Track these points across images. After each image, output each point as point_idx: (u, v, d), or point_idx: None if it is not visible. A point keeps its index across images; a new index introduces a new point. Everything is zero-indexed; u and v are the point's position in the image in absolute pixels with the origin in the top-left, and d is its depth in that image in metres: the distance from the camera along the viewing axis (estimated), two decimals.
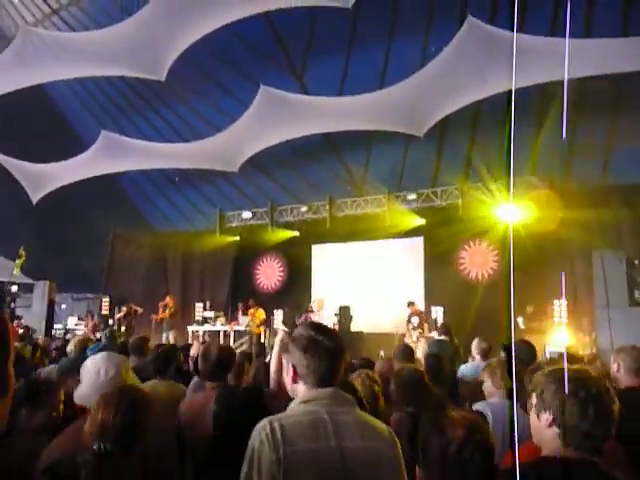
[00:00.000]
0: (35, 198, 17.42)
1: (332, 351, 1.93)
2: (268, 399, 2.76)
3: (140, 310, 16.03)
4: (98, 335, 12.11)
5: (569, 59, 9.05)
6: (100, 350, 4.90)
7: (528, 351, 4.64)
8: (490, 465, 1.62)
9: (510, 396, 3.33)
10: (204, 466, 2.75)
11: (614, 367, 3.43)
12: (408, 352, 5.32)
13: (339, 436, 1.81)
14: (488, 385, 3.55)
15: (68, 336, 11.35)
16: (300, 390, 1.96)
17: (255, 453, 1.79)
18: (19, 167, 16.27)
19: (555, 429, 1.75)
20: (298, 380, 1.96)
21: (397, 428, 2.70)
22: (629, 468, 2.36)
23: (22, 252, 14.01)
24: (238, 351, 5.38)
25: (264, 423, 1.83)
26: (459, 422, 1.64)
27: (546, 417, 1.78)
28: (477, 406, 3.42)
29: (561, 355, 6.00)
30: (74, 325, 15.91)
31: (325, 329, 2.01)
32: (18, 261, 14.78)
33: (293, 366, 1.96)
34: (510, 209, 13.05)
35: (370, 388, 3.36)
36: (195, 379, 3.95)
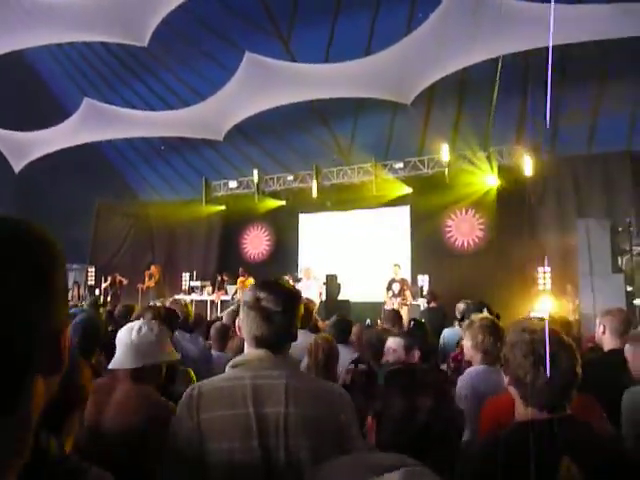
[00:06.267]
0: (17, 167, 17.16)
1: (269, 311, 1.84)
2: None
3: (125, 281, 16.00)
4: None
5: (555, 26, 8.98)
6: (76, 314, 4.91)
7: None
8: (451, 435, 1.58)
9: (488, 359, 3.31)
10: None
11: (600, 329, 3.41)
12: (398, 317, 5.37)
13: (258, 402, 1.76)
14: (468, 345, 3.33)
15: None
16: (245, 346, 1.95)
17: (177, 419, 1.82)
18: (0, 136, 15.98)
19: (513, 388, 1.80)
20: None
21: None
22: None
23: None
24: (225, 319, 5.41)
25: (189, 389, 1.84)
26: (427, 390, 1.58)
27: (508, 376, 1.83)
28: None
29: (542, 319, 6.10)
30: None
31: (272, 288, 1.90)
32: None
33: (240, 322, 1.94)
34: (496, 178, 13.09)
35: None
36: None
